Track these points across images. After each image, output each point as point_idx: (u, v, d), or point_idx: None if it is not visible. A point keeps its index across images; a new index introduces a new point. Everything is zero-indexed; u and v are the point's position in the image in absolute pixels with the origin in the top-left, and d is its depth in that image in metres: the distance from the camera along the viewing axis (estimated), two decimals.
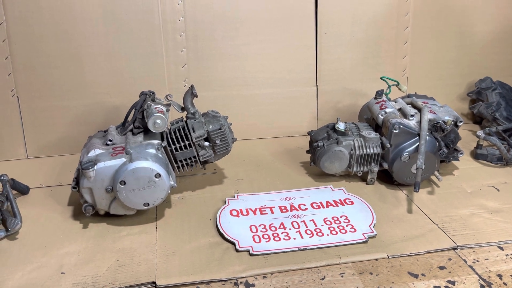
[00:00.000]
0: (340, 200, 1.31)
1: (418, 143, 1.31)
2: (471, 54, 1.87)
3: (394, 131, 1.32)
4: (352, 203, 1.30)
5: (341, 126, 1.40)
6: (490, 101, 1.72)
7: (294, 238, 1.14)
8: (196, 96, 1.25)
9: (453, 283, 1.02)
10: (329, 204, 1.29)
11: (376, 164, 1.40)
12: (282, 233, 1.16)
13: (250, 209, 1.26)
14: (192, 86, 1.26)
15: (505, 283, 1.02)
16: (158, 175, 1.12)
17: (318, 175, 1.46)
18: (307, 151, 1.47)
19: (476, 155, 1.59)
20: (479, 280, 1.03)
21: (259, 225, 1.19)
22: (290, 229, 1.18)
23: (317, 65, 1.75)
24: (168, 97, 1.27)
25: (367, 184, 1.42)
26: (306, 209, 1.27)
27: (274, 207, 1.27)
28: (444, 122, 1.37)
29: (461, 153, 1.45)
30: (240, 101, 1.72)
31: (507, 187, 1.41)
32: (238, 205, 1.27)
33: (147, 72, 1.61)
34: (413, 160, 1.32)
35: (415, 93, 1.57)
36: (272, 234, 1.15)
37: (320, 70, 1.76)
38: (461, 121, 1.41)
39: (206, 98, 1.63)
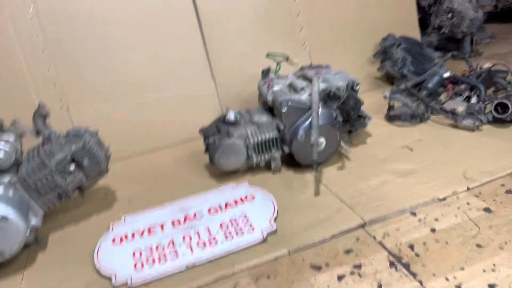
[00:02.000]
0: (241, 198, 1.17)
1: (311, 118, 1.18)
2: (370, 13, 1.77)
3: (283, 110, 1.19)
4: (254, 198, 1.16)
5: (230, 116, 1.26)
6: (395, 58, 1.62)
7: (183, 255, 0.98)
8: (46, 115, 1.08)
9: (359, 267, 0.89)
10: (228, 205, 1.14)
11: (276, 150, 1.26)
12: (170, 252, 1.00)
13: (138, 231, 1.10)
14: (39, 105, 1.08)
15: (417, 254, 0.89)
16: (3, 219, 0.94)
17: (220, 175, 1.31)
18: (205, 151, 1.32)
19: (390, 117, 1.48)
20: (388, 256, 0.90)
21: (145, 249, 1.03)
22: (180, 245, 1.02)
23: (208, 57, 1.60)
24: (15, 124, 1.09)
25: (273, 173, 1.28)
26: (201, 216, 1.11)
27: (165, 223, 1.11)
28: (337, 89, 1.25)
29: (369, 119, 1.34)
30: (131, 111, 1.55)
31: (421, 145, 1.31)
32: (123, 230, 1.10)
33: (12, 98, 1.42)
34: (310, 137, 1.19)
35: (310, 64, 1.45)
36: (158, 257, 0.99)
37: (213, 61, 1.61)
38: (357, 84, 1.29)
39: (88, 115, 1.46)
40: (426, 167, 1.19)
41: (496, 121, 1.33)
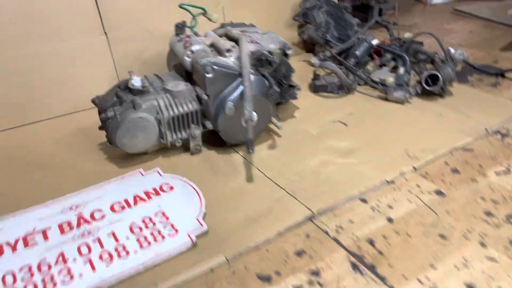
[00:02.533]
0: (154, 188, 0.91)
1: (242, 87, 0.96)
2: None
3: (207, 75, 0.94)
4: (172, 188, 0.91)
5: (136, 82, 0.97)
6: (318, 22, 1.47)
7: (81, 275, 0.71)
8: None
9: (317, 273, 0.72)
10: (138, 199, 0.88)
11: (196, 126, 1.01)
12: (60, 272, 0.71)
13: (7, 243, 0.78)
14: None
15: (380, 252, 0.76)
16: None
17: (123, 158, 1.03)
18: (100, 127, 1.01)
19: (315, 87, 1.34)
20: (348, 256, 0.75)
21: (20, 270, 0.72)
22: (75, 259, 0.74)
23: (98, 6, 1.25)
24: None
25: (191, 154, 1.04)
26: (102, 217, 0.83)
27: (50, 228, 0.81)
28: (269, 52, 1.04)
29: (298, 89, 1.16)
30: None
31: (354, 119, 1.18)
32: None
33: None
34: (241, 110, 0.97)
35: (231, 22, 1.21)
36: (43, 280, 0.70)
37: (105, 11, 1.26)
38: (289, 48, 1.10)
39: None
40: (366, 144, 1.06)
41: (424, 94, 1.27)
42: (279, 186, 0.92)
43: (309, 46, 1.64)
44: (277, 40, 1.10)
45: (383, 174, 0.95)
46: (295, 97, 1.16)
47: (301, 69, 1.45)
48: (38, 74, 1.20)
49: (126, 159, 1.02)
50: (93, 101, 0.97)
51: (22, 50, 1.17)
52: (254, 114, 0.94)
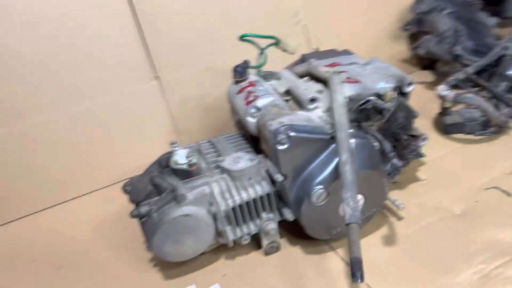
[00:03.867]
0: None
1: (337, 160, 0.59)
2: None
3: (279, 147, 0.60)
4: None
5: (180, 158, 0.66)
6: (441, 30, 1.04)
7: None
8: None
9: None
10: None
11: (269, 214, 0.67)
12: None
13: None
14: None
15: None
16: None
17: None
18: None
19: (446, 128, 0.92)
20: None
21: None
22: None
23: (148, 46, 0.98)
24: None
25: (266, 254, 0.70)
26: None
27: None
28: (378, 96, 0.66)
29: (424, 139, 0.76)
30: (17, 141, 0.94)
31: None
32: None
33: None
34: (338, 194, 0.61)
35: (316, 49, 0.86)
36: None
37: (155, 50, 0.99)
38: (410, 84, 0.71)
39: None
40: None
41: None
42: None
43: (425, 61, 1.21)
44: (388, 73, 0.71)
45: None
46: (420, 155, 0.76)
47: (416, 96, 1.03)
48: (72, 139, 0.97)
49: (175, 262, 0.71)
50: (125, 189, 0.68)
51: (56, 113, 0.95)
52: (359, 198, 0.58)
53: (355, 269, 0.51)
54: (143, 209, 0.64)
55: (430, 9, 1.08)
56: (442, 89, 0.87)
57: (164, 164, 0.69)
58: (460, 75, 0.94)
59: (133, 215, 0.65)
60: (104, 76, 0.96)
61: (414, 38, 1.18)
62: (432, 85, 1.15)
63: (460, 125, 0.90)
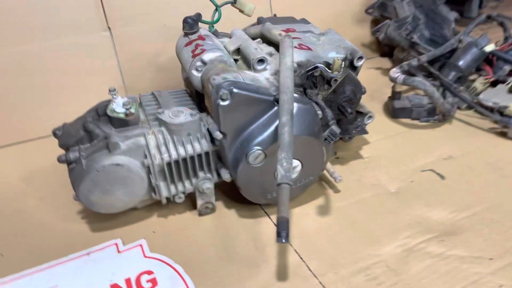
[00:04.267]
0: (128, 280, 0.57)
1: (277, 122, 0.58)
2: None
3: (222, 102, 0.58)
4: (155, 283, 0.56)
5: (117, 106, 0.63)
6: (401, 16, 1.05)
7: None
8: None
9: None
10: None
11: (207, 173, 0.66)
12: None
13: None
14: None
15: None
16: None
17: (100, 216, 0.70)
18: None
19: (394, 111, 0.93)
20: None
21: None
22: None
23: None
24: None
25: (200, 215, 0.69)
26: None
27: None
28: (327, 64, 0.66)
29: (370, 117, 0.77)
30: None
31: (456, 168, 0.77)
32: None
33: None
34: (274, 157, 0.60)
35: (274, 15, 0.84)
36: None
37: (110, 1, 0.94)
38: (361, 57, 0.70)
39: None
40: (478, 216, 0.65)
41: None
42: None
43: (384, 48, 1.22)
44: (341, 45, 0.71)
45: None
46: (364, 132, 0.76)
47: (372, 80, 1.05)
48: (15, 83, 0.91)
49: (105, 215, 0.69)
50: (54, 133, 0.65)
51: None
52: (294, 164, 0.57)
53: (280, 228, 0.50)
54: (72, 154, 0.61)
55: None
56: (394, 71, 0.88)
57: (101, 112, 0.66)
58: (413, 62, 0.96)
59: (60, 160, 0.62)
60: (50, 18, 0.90)
61: (376, 23, 1.19)
62: (388, 71, 1.16)
63: (407, 110, 0.92)
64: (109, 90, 0.64)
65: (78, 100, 0.96)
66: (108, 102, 0.65)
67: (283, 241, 0.51)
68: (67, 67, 0.95)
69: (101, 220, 0.69)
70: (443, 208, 0.68)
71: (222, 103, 0.57)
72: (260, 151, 0.59)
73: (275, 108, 0.60)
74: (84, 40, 0.94)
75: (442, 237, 0.62)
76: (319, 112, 0.64)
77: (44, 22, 0.90)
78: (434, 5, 1.14)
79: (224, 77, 0.59)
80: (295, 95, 0.61)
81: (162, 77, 1.02)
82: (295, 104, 0.59)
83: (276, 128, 0.59)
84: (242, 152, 0.60)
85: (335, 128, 0.61)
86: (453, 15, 1.18)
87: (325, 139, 0.62)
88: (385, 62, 1.21)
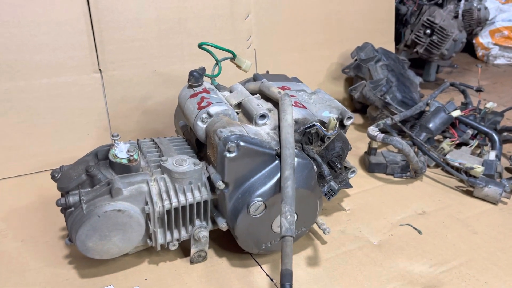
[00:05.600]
0: None
1: (279, 175, 0.62)
2: (340, 13, 1.28)
3: (228, 154, 0.60)
4: None
5: (120, 152, 0.64)
6: (376, 78, 1.14)
7: None
8: None
9: None
10: None
11: (202, 222, 0.67)
12: None
13: None
14: None
15: None
16: None
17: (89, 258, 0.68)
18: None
19: (370, 166, 0.99)
20: None
21: None
22: None
23: (95, 38, 0.95)
24: None
25: (191, 263, 0.69)
26: None
27: None
28: (321, 123, 0.71)
29: (353, 172, 0.82)
30: None
31: (430, 223, 0.82)
32: None
33: None
34: (274, 209, 0.63)
35: (267, 72, 0.89)
36: None
37: (104, 45, 0.96)
38: (350, 118, 0.76)
39: None
40: (455, 270, 0.70)
41: None
42: None
43: (356, 104, 1.31)
44: (331, 104, 0.77)
45: None
46: (349, 185, 0.81)
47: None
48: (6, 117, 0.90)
49: (94, 260, 0.67)
50: (53, 176, 0.64)
51: None
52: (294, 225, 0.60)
53: (285, 280, 0.52)
54: (72, 198, 0.61)
55: (368, 58, 1.19)
56: (372, 129, 0.95)
57: (101, 156, 0.66)
58: (388, 121, 1.04)
59: (59, 204, 0.61)
60: (43, 57, 0.91)
61: (351, 82, 1.29)
62: (361, 127, 1.25)
63: (383, 165, 0.98)
64: (112, 135, 0.65)
65: (62, 139, 0.96)
66: (108, 147, 0.66)
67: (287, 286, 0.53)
68: (54, 105, 0.95)
69: (89, 265, 0.68)
70: (423, 262, 0.72)
71: (229, 155, 0.60)
72: (261, 202, 0.62)
73: (277, 161, 0.63)
74: (74, 80, 0.95)
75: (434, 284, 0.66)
76: (315, 167, 0.68)
77: (37, 60, 0.90)
78: (403, 69, 1.25)
79: (230, 130, 0.62)
80: (295, 150, 0.65)
81: (148, 120, 1.04)
82: (295, 159, 0.63)
83: (277, 181, 0.62)
84: (243, 202, 0.62)
85: (333, 184, 0.65)
86: (418, 79, 1.30)
87: (325, 195, 0.65)
88: (358, 118, 1.30)
